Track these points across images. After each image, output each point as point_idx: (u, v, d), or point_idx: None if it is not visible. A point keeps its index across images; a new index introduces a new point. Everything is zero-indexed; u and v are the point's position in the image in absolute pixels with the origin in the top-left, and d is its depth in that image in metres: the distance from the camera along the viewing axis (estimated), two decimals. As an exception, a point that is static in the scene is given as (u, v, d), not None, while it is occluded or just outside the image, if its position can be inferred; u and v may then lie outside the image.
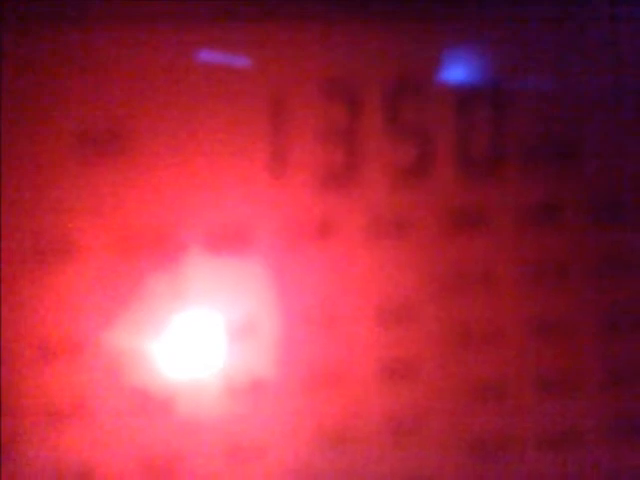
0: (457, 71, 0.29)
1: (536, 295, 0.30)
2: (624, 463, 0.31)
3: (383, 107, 0.29)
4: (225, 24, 0.28)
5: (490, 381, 0.30)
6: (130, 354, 0.28)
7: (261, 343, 0.29)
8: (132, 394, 0.28)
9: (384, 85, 0.29)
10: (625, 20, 0.30)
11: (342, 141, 0.29)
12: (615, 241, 0.31)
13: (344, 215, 0.29)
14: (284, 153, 0.28)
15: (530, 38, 0.29)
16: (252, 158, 0.28)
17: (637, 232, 0.31)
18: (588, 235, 0.30)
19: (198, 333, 0.29)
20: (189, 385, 0.28)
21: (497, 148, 0.30)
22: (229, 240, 0.28)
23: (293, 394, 0.29)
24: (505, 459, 0.30)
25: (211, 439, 0.29)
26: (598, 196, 0.30)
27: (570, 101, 0.30)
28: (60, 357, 0.28)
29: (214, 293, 0.29)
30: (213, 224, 0.28)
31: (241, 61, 0.28)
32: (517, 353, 0.30)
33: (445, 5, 0.29)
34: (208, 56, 0.28)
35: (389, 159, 0.29)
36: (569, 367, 0.30)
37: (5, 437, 0.27)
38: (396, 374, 0.29)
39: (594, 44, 0.30)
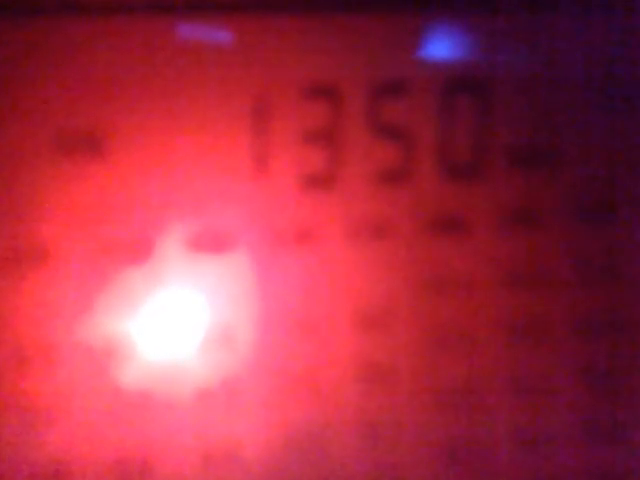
0: (440, 70, 0.29)
1: (517, 299, 0.30)
2: (594, 465, 0.31)
3: (366, 107, 0.29)
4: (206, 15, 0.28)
5: (466, 381, 0.30)
6: (106, 357, 0.28)
7: (239, 345, 0.29)
8: (107, 396, 0.28)
9: (366, 85, 0.29)
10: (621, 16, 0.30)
11: (324, 141, 0.29)
12: (595, 245, 0.31)
13: (325, 217, 0.29)
14: (265, 155, 0.28)
15: (520, 38, 0.29)
16: (233, 161, 0.28)
17: (616, 236, 0.31)
18: (570, 239, 0.30)
19: (175, 336, 0.29)
20: (165, 387, 0.28)
21: (480, 150, 0.29)
22: (209, 244, 0.28)
23: (271, 395, 0.29)
24: (479, 459, 0.31)
25: (187, 438, 0.29)
26: (580, 200, 0.30)
27: (555, 105, 0.30)
28: (36, 360, 0.28)
29: (192, 297, 0.28)
30: (193, 228, 0.28)
31: (222, 54, 0.28)
32: (493, 355, 0.30)
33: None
34: (187, 47, 0.28)
35: (371, 160, 0.29)
36: (541, 369, 0.30)
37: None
38: (373, 378, 0.29)
39: (583, 42, 0.30)
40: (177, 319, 0.28)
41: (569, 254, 0.30)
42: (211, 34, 0.28)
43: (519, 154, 0.30)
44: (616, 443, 0.31)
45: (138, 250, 0.28)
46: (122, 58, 0.27)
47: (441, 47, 0.29)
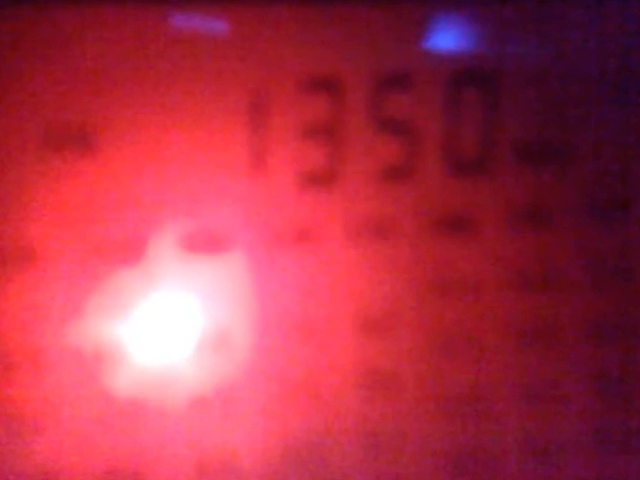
0: (446, 62, 0.29)
1: (526, 302, 0.30)
2: (607, 474, 0.31)
3: (368, 101, 0.28)
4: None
5: (473, 388, 0.30)
6: (96, 362, 0.28)
7: (236, 350, 0.29)
8: (97, 403, 0.28)
9: (369, 77, 0.28)
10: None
11: (324, 137, 0.28)
12: (608, 244, 0.30)
13: (325, 216, 0.29)
14: (263, 151, 0.28)
15: (529, 28, 0.29)
16: (230, 158, 0.28)
17: (630, 235, 0.30)
18: (581, 238, 0.30)
19: (169, 340, 0.28)
20: (158, 393, 0.28)
21: (488, 146, 0.29)
22: (204, 244, 0.28)
23: (269, 402, 0.29)
24: (487, 469, 0.30)
25: (181, 447, 0.29)
26: (592, 197, 0.30)
27: (566, 99, 0.29)
28: (23, 366, 0.27)
29: (187, 299, 0.28)
30: (187, 228, 0.28)
31: (218, 45, 0.28)
32: (501, 361, 0.30)
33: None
34: (181, 38, 0.27)
35: (374, 156, 0.29)
36: (552, 375, 0.30)
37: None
38: (375, 384, 0.29)
39: (596, 32, 0.29)
40: (171, 323, 0.28)
41: (580, 254, 0.30)
42: (206, 25, 0.28)
43: (528, 150, 0.29)
44: (629, 452, 0.31)
45: (130, 250, 0.28)
46: (113, 50, 0.27)
47: (447, 38, 0.29)
